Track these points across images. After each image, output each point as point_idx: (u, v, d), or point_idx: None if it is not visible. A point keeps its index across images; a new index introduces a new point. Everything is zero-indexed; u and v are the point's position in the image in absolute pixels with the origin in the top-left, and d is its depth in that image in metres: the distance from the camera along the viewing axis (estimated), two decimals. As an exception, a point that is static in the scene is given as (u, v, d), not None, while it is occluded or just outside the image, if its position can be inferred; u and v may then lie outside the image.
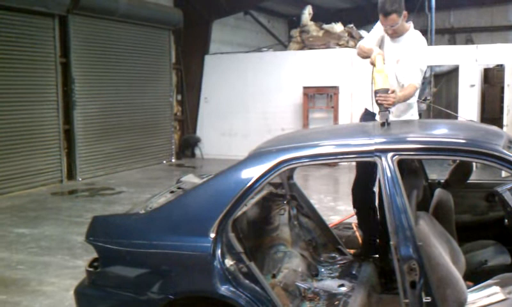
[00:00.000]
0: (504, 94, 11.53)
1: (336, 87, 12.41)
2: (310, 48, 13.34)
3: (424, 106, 14.22)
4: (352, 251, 4.24)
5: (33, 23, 9.86)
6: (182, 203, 3.23)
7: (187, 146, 14.19)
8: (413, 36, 4.35)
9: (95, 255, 3.23)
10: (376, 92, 3.76)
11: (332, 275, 3.90)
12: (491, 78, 13.87)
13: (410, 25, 4.37)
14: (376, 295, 3.61)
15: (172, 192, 3.58)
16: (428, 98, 14.47)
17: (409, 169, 3.79)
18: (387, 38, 4.36)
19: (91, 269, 3.21)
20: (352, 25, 13.77)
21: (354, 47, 9.64)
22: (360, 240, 4.44)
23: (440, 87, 15.44)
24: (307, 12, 13.86)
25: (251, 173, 3.03)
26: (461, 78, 11.95)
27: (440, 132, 3.60)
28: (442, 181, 4.18)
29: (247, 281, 2.89)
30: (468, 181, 4.14)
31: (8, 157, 9.54)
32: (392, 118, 3.68)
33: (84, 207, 8.61)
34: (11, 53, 9.50)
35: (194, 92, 14.12)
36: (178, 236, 3.03)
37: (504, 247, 3.78)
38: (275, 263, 3.73)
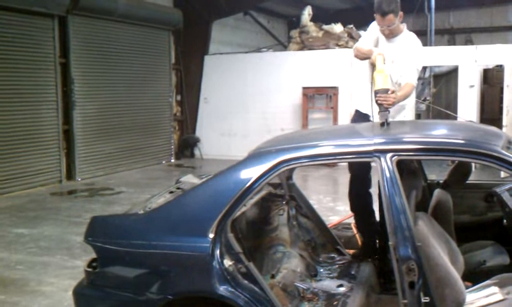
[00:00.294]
0: (503, 94, 11.55)
1: (335, 88, 12.42)
2: (310, 49, 13.35)
3: (423, 106, 14.24)
4: (351, 252, 4.24)
5: (33, 24, 9.86)
6: (181, 203, 3.23)
7: (187, 146, 14.19)
8: (407, 36, 4.43)
9: (94, 255, 3.22)
10: (376, 92, 3.77)
11: (331, 275, 3.90)
12: (491, 79, 13.87)
13: (404, 26, 4.43)
14: (375, 296, 3.61)
15: (171, 192, 3.58)
16: (427, 98, 14.48)
17: (408, 169, 3.79)
18: (382, 39, 4.41)
19: (89, 269, 3.21)
20: (351, 25, 13.77)
21: (354, 47, 9.55)
22: (359, 242, 4.44)
23: (440, 88, 15.45)
24: (307, 13, 13.86)
25: (250, 173, 3.03)
26: (461, 78, 11.95)
27: (439, 132, 3.60)
28: (441, 181, 4.18)
29: (246, 281, 2.89)
30: (467, 182, 4.14)
31: (7, 157, 9.54)
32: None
33: (83, 207, 8.60)
34: (10, 53, 9.50)
35: (193, 92, 14.12)
36: (177, 236, 3.03)
37: (503, 247, 3.78)
38: (274, 263, 3.73)
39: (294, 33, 14.11)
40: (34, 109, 10.01)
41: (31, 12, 9.70)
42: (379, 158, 2.88)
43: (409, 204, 2.88)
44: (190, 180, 3.81)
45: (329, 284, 3.70)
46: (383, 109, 3.65)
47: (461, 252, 3.34)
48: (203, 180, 3.55)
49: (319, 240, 4.22)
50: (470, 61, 11.80)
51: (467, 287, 2.91)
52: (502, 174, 8.39)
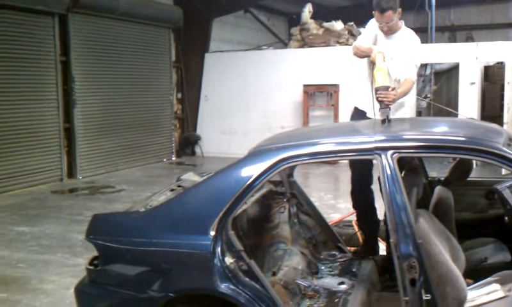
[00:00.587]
0: (504, 92, 11.52)
1: (336, 85, 12.41)
2: (310, 46, 13.34)
3: (424, 104, 14.22)
4: (352, 249, 4.24)
5: (33, 22, 9.85)
6: (182, 201, 3.23)
7: (188, 144, 14.19)
8: (406, 33, 4.45)
9: (95, 253, 3.23)
10: (377, 90, 3.77)
11: (332, 273, 3.90)
12: (492, 76, 13.85)
13: (402, 23, 4.45)
14: (376, 293, 3.62)
15: (172, 190, 3.58)
16: (428, 95, 14.46)
17: (409, 166, 3.79)
18: (381, 36, 4.42)
19: (91, 267, 3.21)
20: (352, 23, 13.75)
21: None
22: (361, 239, 4.44)
23: (440, 85, 15.43)
24: (307, 10, 13.84)
25: (251, 171, 3.03)
26: (461, 76, 11.92)
27: (440, 129, 3.60)
28: (442, 179, 4.18)
29: (247, 279, 2.89)
30: (468, 179, 4.15)
31: (9, 155, 9.54)
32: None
33: (84, 205, 8.61)
34: (11, 51, 9.49)
35: (194, 90, 14.11)
36: (178, 234, 3.03)
37: (504, 244, 3.78)
38: (275, 260, 3.73)
39: (295, 31, 14.10)
40: (35, 107, 10.01)
41: (32, 10, 9.70)
42: (380, 156, 2.88)
43: (410, 202, 2.88)
44: (191, 177, 3.81)
45: (331, 281, 3.70)
46: (384, 106, 3.66)
47: (462, 249, 3.34)
48: (204, 177, 3.55)
49: (320, 237, 4.22)
50: (470, 58, 11.78)
51: (468, 284, 2.91)
52: (503, 171, 8.39)
